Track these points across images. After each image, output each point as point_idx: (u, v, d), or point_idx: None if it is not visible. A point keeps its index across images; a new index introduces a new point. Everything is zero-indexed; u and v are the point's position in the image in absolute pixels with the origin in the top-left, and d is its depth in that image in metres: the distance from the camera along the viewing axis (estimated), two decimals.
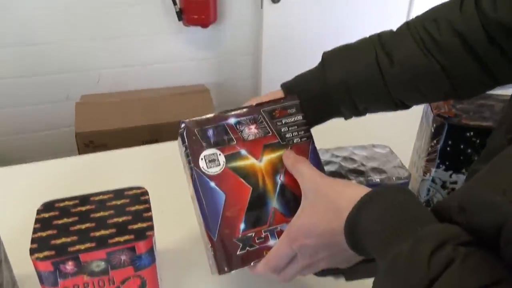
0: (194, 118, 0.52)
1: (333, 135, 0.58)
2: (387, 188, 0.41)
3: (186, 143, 0.50)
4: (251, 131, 0.52)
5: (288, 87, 0.57)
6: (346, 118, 0.58)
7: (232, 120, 0.52)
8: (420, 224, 0.36)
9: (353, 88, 0.54)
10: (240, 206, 0.50)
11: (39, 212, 0.54)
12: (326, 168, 0.60)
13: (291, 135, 0.53)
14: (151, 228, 0.52)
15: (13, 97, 1.89)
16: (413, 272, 0.32)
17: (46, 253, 0.48)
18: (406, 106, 0.56)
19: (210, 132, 0.51)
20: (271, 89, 0.59)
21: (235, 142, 0.51)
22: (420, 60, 0.51)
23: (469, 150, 0.58)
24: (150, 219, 0.53)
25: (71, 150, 1.73)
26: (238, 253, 0.49)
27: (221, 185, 0.50)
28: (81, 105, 1.81)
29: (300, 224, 0.47)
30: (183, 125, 0.51)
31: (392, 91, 0.53)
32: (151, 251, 0.52)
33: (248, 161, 0.51)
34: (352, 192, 0.43)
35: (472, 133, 0.57)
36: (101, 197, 0.57)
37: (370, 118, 0.60)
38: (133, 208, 0.55)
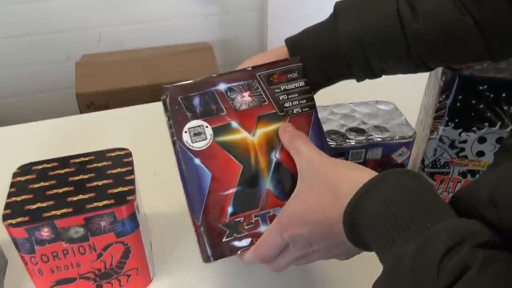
0: (178, 83, 0.45)
1: (332, 91, 0.52)
2: (395, 172, 0.35)
3: (169, 113, 0.44)
4: (244, 100, 0.45)
5: (294, 43, 0.49)
6: (358, 80, 0.50)
7: (222, 86, 0.44)
8: (432, 218, 0.30)
9: (369, 44, 0.46)
10: (229, 186, 0.44)
11: (15, 175, 0.51)
12: (324, 126, 0.55)
13: (291, 104, 0.46)
14: (132, 192, 0.48)
15: (12, 58, 1.84)
16: (418, 280, 0.27)
17: (20, 219, 0.45)
18: (428, 68, 0.49)
19: (197, 101, 0.44)
20: (275, 45, 0.52)
21: (225, 112, 0.44)
22: (449, 12, 0.44)
23: (481, 106, 0.52)
24: (132, 182, 0.50)
25: (72, 112, 1.70)
26: (224, 240, 0.44)
27: (207, 162, 0.44)
28: (81, 65, 1.76)
29: (293, 210, 0.41)
30: (165, 92, 0.44)
31: (414, 49, 0.45)
32: (133, 216, 0.49)
33: (240, 134, 0.44)
34: (356, 176, 0.37)
35: (485, 87, 0.51)
36: (81, 159, 0.53)
37: None
38: (114, 171, 0.51)
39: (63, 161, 0.53)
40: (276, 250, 0.43)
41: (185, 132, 0.43)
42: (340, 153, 0.53)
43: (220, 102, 0.44)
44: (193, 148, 0.43)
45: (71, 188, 0.49)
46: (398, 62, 0.47)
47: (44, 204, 0.46)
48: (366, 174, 0.36)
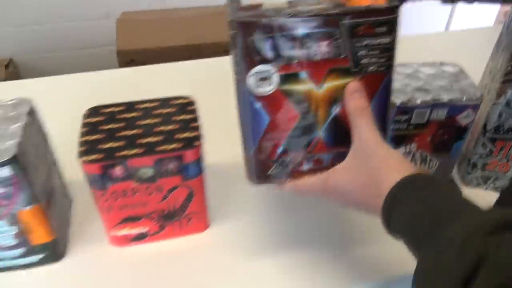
0: (253, 19, 0.40)
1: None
2: (427, 177, 0.38)
3: (237, 51, 0.41)
4: (320, 49, 0.42)
5: None
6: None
7: (301, 30, 0.41)
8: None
9: None
10: (283, 131, 0.45)
11: (85, 116, 0.52)
12: None
13: (369, 61, 0.43)
14: (199, 138, 0.50)
15: (52, 13, 1.87)
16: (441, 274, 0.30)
17: (94, 156, 0.47)
18: None
19: (269, 43, 0.41)
20: None
21: (297, 60, 0.42)
22: None
23: None
24: (198, 128, 0.51)
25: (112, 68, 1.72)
26: (269, 172, 0.46)
27: (268, 107, 0.43)
28: (122, 23, 1.77)
29: (338, 181, 0.43)
30: (237, 27, 0.41)
31: None
32: (199, 161, 0.50)
33: (306, 85, 0.43)
34: (397, 172, 0.39)
35: None
36: (147, 105, 0.55)
37: (438, 36, 0.53)
38: (180, 117, 0.52)
39: (130, 106, 0.54)
40: (311, 196, 0.47)
41: (252, 75, 0.42)
42: (404, 112, 0.52)
43: (294, 49, 0.42)
44: (256, 92, 0.43)
45: (140, 131, 0.50)
46: None
47: (115, 144, 0.48)
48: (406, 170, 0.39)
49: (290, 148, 0.45)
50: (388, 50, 0.43)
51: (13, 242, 0.50)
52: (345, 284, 0.52)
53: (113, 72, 0.94)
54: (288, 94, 0.43)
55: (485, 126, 0.58)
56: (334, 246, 0.56)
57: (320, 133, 0.45)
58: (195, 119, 0.52)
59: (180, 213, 0.54)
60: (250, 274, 0.53)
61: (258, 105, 0.43)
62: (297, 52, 0.42)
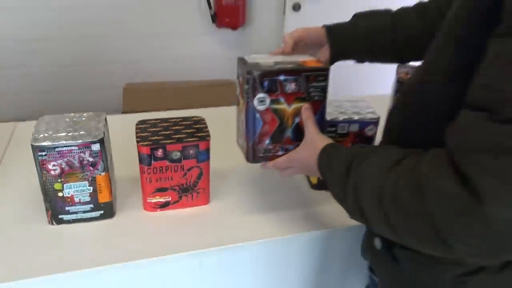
0: (260, 70, 0.72)
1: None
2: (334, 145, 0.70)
3: (249, 86, 0.73)
4: (291, 87, 0.75)
5: (328, 28, 0.85)
6: (357, 61, 0.87)
7: (282, 77, 0.74)
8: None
9: (372, 39, 0.82)
10: (269, 131, 0.77)
11: (137, 123, 0.84)
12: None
13: (314, 94, 0.77)
14: (208, 136, 0.82)
15: (66, 84, 2.22)
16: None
17: (146, 142, 0.78)
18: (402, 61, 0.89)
19: (266, 83, 0.73)
20: None
21: (279, 91, 0.74)
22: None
23: None
24: (207, 132, 0.83)
25: None
26: (260, 155, 0.78)
27: (262, 117, 0.76)
28: (127, 91, 2.14)
29: (297, 154, 0.76)
30: (251, 73, 0.72)
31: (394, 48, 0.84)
32: (207, 150, 0.82)
33: (283, 105, 0.75)
34: (322, 143, 0.71)
35: None
36: (174, 119, 0.87)
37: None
38: (196, 126, 0.84)
39: (164, 119, 0.86)
40: (285, 166, 0.77)
41: (256, 99, 0.74)
42: (332, 125, 0.86)
43: (278, 86, 0.75)
44: (257, 108, 0.75)
45: (172, 132, 0.82)
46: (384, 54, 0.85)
47: (158, 137, 0.80)
48: (328, 141, 0.71)
49: (272, 141, 0.78)
50: (324, 88, 0.78)
51: (87, 199, 0.79)
52: (302, 229, 0.82)
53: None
54: (273, 110, 0.76)
55: None
56: (295, 205, 0.86)
57: (289, 133, 0.78)
58: (205, 127, 0.84)
59: (193, 187, 0.84)
60: (240, 229, 0.82)
61: (257, 115, 0.76)
62: (279, 88, 0.76)
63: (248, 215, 0.86)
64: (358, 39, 0.83)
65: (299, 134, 0.78)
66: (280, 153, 0.79)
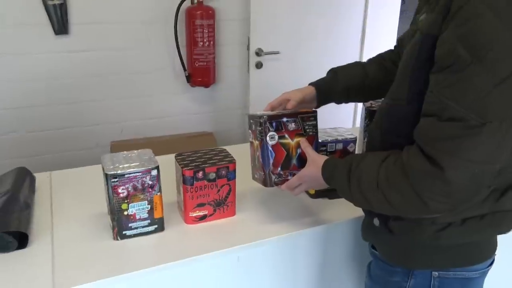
0: (268, 115, 1.00)
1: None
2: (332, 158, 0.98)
3: (263, 127, 1.00)
4: (292, 126, 1.03)
5: (315, 84, 1.13)
6: (337, 103, 1.17)
7: (284, 119, 1.00)
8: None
9: (351, 88, 1.12)
10: (280, 160, 1.04)
11: (176, 156, 1.07)
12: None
13: (309, 130, 1.06)
14: (234, 160, 1.06)
15: (53, 145, 2.38)
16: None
17: (189, 167, 1.01)
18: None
19: (274, 124, 0.99)
20: None
21: (284, 130, 1.01)
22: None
23: None
24: (232, 157, 1.08)
25: None
26: (274, 180, 1.04)
27: (274, 149, 1.02)
28: (115, 147, 2.33)
29: (304, 172, 1.01)
30: (262, 119, 0.99)
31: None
32: (234, 171, 1.06)
33: (287, 140, 1.02)
34: (322, 160, 0.97)
35: None
36: (200, 153, 1.11)
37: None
38: (221, 154, 1.09)
39: (194, 152, 1.10)
40: (296, 185, 1.02)
41: (268, 136, 1.02)
42: (323, 145, 1.14)
43: (282, 126, 1.03)
44: (269, 143, 1.02)
45: (205, 159, 1.06)
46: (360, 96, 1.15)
47: (197, 163, 1.03)
48: (325, 158, 0.98)
49: (282, 169, 1.04)
50: (315, 125, 1.06)
51: (145, 215, 0.99)
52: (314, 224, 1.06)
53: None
54: (281, 144, 1.03)
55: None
56: (299, 211, 1.11)
57: (294, 161, 1.05)
58: (229, 154, 1.09)
59: (224, 201, 1.07)
60: (260, 234, 1.06)
61: (270, 149, 1.02)
62: (284, 127, 1.04)
63: (265, 221, 1.09)
64: (338, 89, 1.13)
65: (302, 161, 1.04)
66: (289, 177, 1.04)
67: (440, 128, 0.72)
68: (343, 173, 0.88)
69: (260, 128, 1.00)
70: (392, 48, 1.15)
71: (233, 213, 1.11)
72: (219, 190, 1.06)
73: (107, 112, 2.44)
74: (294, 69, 2.67)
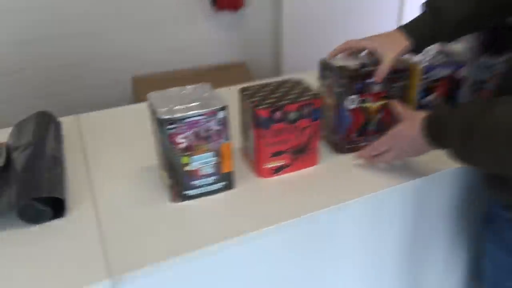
0: (350, 75, 0.82)
1: None
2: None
3: (343, 88, 0.83)
4: (375, 88, 0.85)
5: (407, 28, 0.85)
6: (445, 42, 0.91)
7: (369, 80, 0.84)
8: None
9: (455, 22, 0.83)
10: (356, 126, 0.88)
11: (242, 91, 0.82)
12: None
13: (393, 93, 0.86)
14: (319, 94, 0.81)
15: (78, 79, 2.13)
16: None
17: (264, 106, 0.76)
18: None
19: (357, 86, 0.83)
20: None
21: (367, 92, 0.85)
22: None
23: None
24: (314, 91, 0.82)
25: None
26: (347, 147, 0.87)
27: (351, 114, 0.86)
28: (137, 81, 2.08)
29: (396, 129, 0.78)
30: (344, 77, 0.82)
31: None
32: (320, 109, 0.81)
33: (369, 104, 0.86)
34: (421, 115, 0.73)
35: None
36: (273, 84, 0.85)
37: None
38: (300, 86, 0.84)
39: (263, 85, 0.85)
40: (382, 149, 0.81)
41: (348, 99, 0.84)
42: (426, 71, 0.88)
43: (366, 88, 0.84)
44: (347, 107, 0.84)
45: (280, 94, 0.81)
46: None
47: (271, 100, 0.78)
48: (424, 113, 0.74)
49: (358, 135, 0.86)
50: (402, 87, 0.87)
51: (211, 170, 0.77)
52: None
53: None
54: (361, 108, 0.85)
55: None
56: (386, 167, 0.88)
57: (372, 126, 0.87)
58: (309, 87, 0.84)
59: (305, 148, 0.83)
60: (346, 189, 0.83)
61: (347, 113, 0.84)
62: (368, 89, 0.84)
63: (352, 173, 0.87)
64: (445, 30, 0.85)
65: (381, 126, 0.88)
66: (363, 144, 0.88)
67: None
68: (458, 127, 0.65)
69: (340, 90, 0.85)
70: None
71: (315, 162, 0.88)
72: (300, 134, 0.82)
73: (124, 44, 2.16)
74: None
